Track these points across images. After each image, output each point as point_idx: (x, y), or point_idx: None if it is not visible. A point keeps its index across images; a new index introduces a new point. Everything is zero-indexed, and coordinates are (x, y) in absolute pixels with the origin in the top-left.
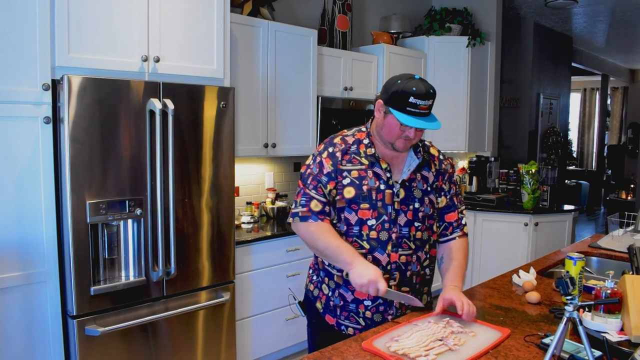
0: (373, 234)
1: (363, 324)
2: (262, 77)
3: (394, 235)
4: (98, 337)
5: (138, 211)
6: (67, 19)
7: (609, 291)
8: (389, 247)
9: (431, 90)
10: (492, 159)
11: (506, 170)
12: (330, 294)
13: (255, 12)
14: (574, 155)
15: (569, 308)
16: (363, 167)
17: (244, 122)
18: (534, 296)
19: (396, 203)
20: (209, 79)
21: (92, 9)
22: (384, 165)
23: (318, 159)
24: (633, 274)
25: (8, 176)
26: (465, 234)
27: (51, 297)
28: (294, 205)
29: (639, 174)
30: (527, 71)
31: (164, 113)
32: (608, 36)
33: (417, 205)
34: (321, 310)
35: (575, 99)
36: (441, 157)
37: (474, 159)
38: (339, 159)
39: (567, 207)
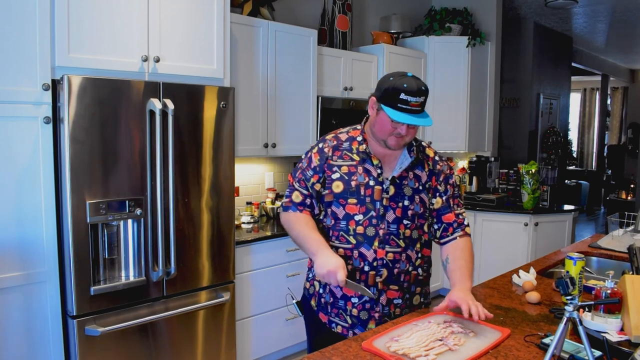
0: (360, 229)
1: (350, 322)
2: (262, 77)
3: (381, 232)
4: (98, 337)
5: (138, 211)
6: (67, 19)
7: (609, 291)
8: (376, 243)
9: (423, 88)
10: (492, 159)
11: (506, 170)
12: (321, 291)
13: (255, 12)
14: (574, 155)
15: (569, 308)
16: (354, 163)
17: (244, 122)
18: (534, 296)
19: (385, 199)
20: (209, 79)
21: (92, 9)
22: (375, 162)
23: (309, 154)
24: (633, 274)
25: (8, 176)
26: (467, 234)
27: (51, 297)
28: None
29: (639, 174)
30: (527, 71)
31: (164, 113)
32: (608, 36)
33: (406, 202)
34: (315, 308)
35: (575, 99)
36: (437, 158)
37: (474, 159)
38: (329, 154)
39: (567, 207)
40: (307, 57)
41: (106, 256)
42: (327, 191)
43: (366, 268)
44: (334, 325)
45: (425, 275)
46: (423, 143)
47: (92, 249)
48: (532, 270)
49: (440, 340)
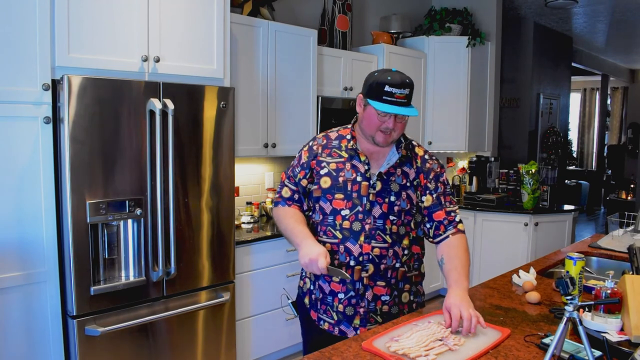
0: (346, 224)
1: (335, 318)
2: (262, 77)
3: (367, 227)
4: (98, 337)
5: (138, 211)
6: (67, 19)
7: (609, 291)
8: (362, 238)
9: (407, 80)
10: (492, 159)
11: (506, 170)
12: (311, 287)
13: (255, 12)
14: (574, 155)
15: (569, 308)
16: (342, 159)
17: (244, 122)
18: (534, 296)
19: (371, 195)
20: (209, 79)
21: (92, 9)
22: (362, 158)
23: (300, 153)
24: (633, 274)
25: (8, 176)
26: (460, 231)
27: (51, 297)
28: None
29: (639, 174)
30: (527, 71)
31: (164, 113)
32: (608, 36)
33: (392, 198)
34: (308, 306)
35: (575, 99)
36: (426, 156)
37: (474, 159)
38: (318, 151)
39: (567, 207)
40: (307, 57)
41: (106, 256)
42: (315, 186)
43: (352, 263)
44: (322, 322)
45: (415, 274)
46: (413, 142)
47: (92, 249)
48: (532, 270)
49: (440, 340)
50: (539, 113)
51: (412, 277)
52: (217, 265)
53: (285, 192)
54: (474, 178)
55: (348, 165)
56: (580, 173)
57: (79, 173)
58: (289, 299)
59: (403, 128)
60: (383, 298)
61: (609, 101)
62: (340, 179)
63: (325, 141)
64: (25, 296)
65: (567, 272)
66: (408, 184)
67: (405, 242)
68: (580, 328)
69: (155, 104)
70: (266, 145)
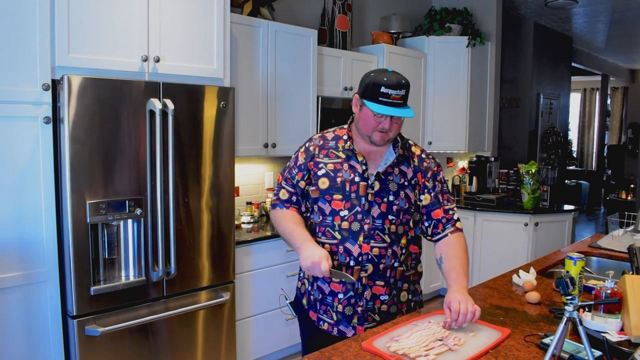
0: (345, 225)
1: (335, 318)
2: (262, 77)
3: (366, 227)
4: (98, 337)
5: (138, 211)
6: (67, 19)
7: (609, 291)
8: (361, 238)
9: (403, 81)
10: (492, 159)
11: (506, 170)
12: (310, 289)
13: (255, 12)
14: (574, 155)
15: (569, 308)
16: (339, 160)
17: (244, 122)
18: (534, 296)
19: (370, 195)
20: (209, 79)
21: (92, 9)
22: (360, 158)
23: (296, 154)
24: (633, 274)
25: (8, 176)
26: (458, 229)
27: (51, 297)
28: None
29: (639, 174)
30: (527, 71)
31: (164, 113)
32: (608, 36)
33: (391, 198)
34: (306, 307)
35: (575, 99)
36: (423, 155)
37: (474, 159)
38: (315, 152)
39: (567, 207)
40: (307, 57)
41: (106, 256)
42: (313, 187)
43: (352, 263)
44: (321, 322)
45: (413, 273)
46: (409, 141)
47: (92, 249)
48: (532, 270)
49: (440, 340)
50: (539, 113)
51: (410, 276)
52: (217, 265)
53: (283, 195)
54: (474, 178)
55: (346, 166)
56: (580, 173)
57: (79, 173)
58: (287, 300)
59: (399, 128)
60: (382, 297)
61: (609, 101)
62: (339, 180)
63: (321, 142)
64: (25, 296)
65: (567, 272)
66: (406, 183)
67: (403, 241)
68: (580, 328)
69: (155, 104)
70: (266, 145)
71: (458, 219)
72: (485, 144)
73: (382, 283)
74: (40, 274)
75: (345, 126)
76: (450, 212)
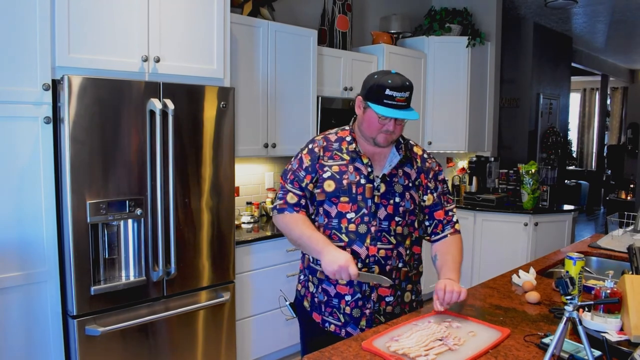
0: (352, 227)
1: (342, 320)
2: (262, 77)
3: (373, 229)
4: (98, 337)
5: (138, 211)
6: (67, 19)
7: (608, 291)
8: (368, 241)
9: (407, 83)
10: (492, 159)
11: (506, 170)
12: (314, 291)
13: (255, 12)
14: (574, 155)
15: (569, 308)
16: (344, 162)
17: (244, 122)
18: (533, 296)
19: (376, 197)
20: (209, 79)
21: (92, 9)
22: (365, 160)
23: (299, 155)
24: (633, 274)
25: (8, 176)
26: (457, 231)
27: (51, 297)
28: (275, 200)
29: (638, 174)
30: (527, 71)
31: (164, 113)
32: (608, 36)
33: (397, 199)
34: (308, 309)
35: (575, 99)
36: (425, 155)
37: (474, 159)
38: (320, 154)
39: (567, 207)
40: (307, 57)
41: (106, 256)
42: (318, 190)
43: (359, 265)
44: (327, 324)
45: (415, 273)
46: (411, 141)
47: (92, 249)
48: (532, 270)
49: (440, 340)
50: (538, 113)
51: (412, 277)
52: (217, 265)
53: (291, 198)
54: (474, 178)
55: (351, 168)
56: (580, 173)
57: (79, 173)
58: (286, 301)
59: (402, 129)
60: (387, 299)
61: (608, 101)
62: (345, 182)
63: (325, 143)
64: (25, 296)
65: (567, 272)
66: (410, 184)
67: (408, 242)
68: (580, 328)
69: (156, 104)
70: (266, 145)
71: (457, 221)
72: (485, 144)
73: (388, 285)
74: (41, 273)
75: (347, 128)
76: (450, 213)
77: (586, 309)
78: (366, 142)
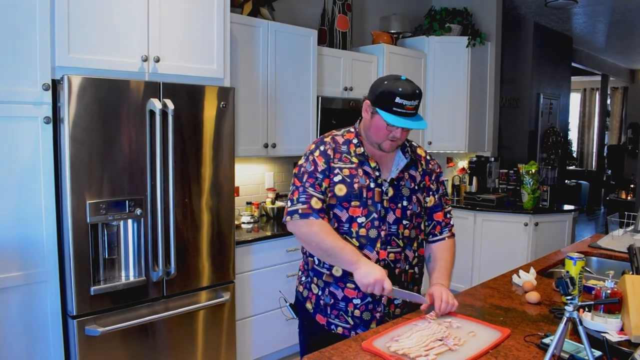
0: (362, 231)
1: (352, 322)
2: (262, 77)
3: (382, 233)
4: (98, 337)
5: (138, 211)
6: (67, 19)
7: (609, 291)
8: (378, 245)
9: (417, 91)
10: (492, 159)
11: (506, 170)
12: (320, 293)
13: (255, 12)
14: (574, 155)
15: (569, 308)
16: (353, 165)
17: (244, 122)
18: (533, 296)
19: (385, 201)
20: (209, 79)
21: (92, 9)
22: (372, 164)
23: (311, 157)
24: (633, 274)
25: (8, 176)
26: (453, 235)
27: (51, 297)
28: (289, 203)
29: (638, 174)
30: (527, 71)
31: (164, 113)
32: (608, 36)
33: (405, 203)
34: (311, 311)
35: (575, 99)
36: (428, 157)
37: (474, 159)
38: (331, 156)
39: (567, 207)
40: (307, 57)
41: (106, 256)
42: (329, 194)
43: None
44: (333, 326)
45: (419, 274)
46: (413, 143)
47: (92, 249)
48: (532, 270)
49: (440, 340)
50: (539, 113)
51: (417, 278)
52: (217, 265)
53: (316, 203)
54: (474, 178)
55: (360, 171)
56: (580, 173)
57: (79, 173)
58: (286, 302)
59: (407, 134)
60: (396, 302)
61: (608, 101)
62: (356, 186)
63: (334, 144)
64: (25, 296)
65: (567, 272)
66: (416, 187)
67: (415, 245)
68: (580, 328)
69: (155, 104)
70: (266, 146)
71: (453, 224)
72: (485, 144)
73: (397, 287)
74: (41, 274)
75: (352, 130)
76: (448, 215)
77: (586, 309)
78: (371, 145)
